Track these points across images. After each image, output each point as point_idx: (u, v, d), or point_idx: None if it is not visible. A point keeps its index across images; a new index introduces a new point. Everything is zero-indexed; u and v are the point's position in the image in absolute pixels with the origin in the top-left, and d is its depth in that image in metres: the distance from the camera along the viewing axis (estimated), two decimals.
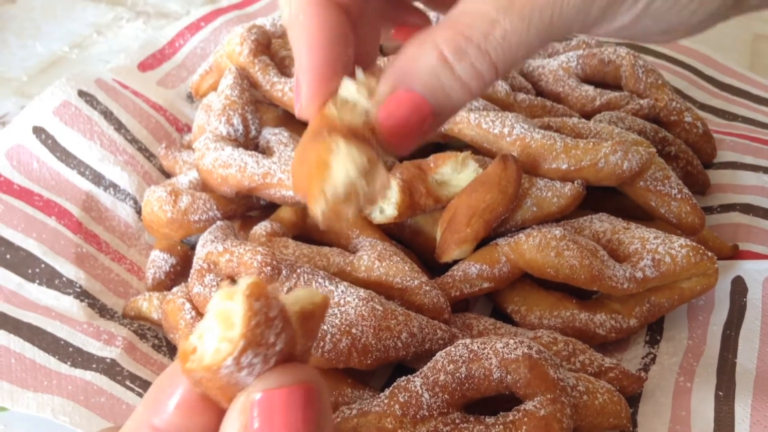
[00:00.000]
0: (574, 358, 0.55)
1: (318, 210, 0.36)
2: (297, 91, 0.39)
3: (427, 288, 0.58)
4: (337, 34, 0.39)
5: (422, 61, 0.36)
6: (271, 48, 0.75)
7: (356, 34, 0.40)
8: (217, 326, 0.28)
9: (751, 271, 0.64)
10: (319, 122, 0.37)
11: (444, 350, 0.51)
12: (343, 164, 0.35)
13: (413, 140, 0.38)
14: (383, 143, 0.37)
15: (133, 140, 0.76)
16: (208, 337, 0.28)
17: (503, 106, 0.72)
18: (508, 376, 0.49)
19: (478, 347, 0.50)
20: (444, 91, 0.37)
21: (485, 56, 0.36)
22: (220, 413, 0.30)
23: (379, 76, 0.38)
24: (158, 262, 0.67)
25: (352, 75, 0.38)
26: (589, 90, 0.78)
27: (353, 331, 0.52)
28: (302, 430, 0.28)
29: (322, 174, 0.35)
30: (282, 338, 0.28)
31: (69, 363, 0.55)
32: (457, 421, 0.48)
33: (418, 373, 0.50)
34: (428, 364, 0.50)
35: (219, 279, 0.57)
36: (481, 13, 0.36)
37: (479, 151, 0.67)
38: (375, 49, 0.45)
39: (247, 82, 0.71)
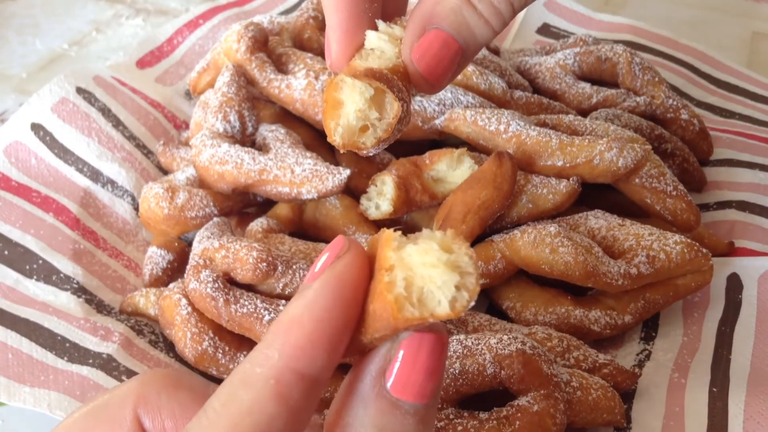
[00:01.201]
0: (569, 354, 0.55)
1: (336, 140, 0.38)
2: (327, 48, 0.42)
3: None
4: None
5: (446, 3, 0.39)
6: (268, 45, 0.75)
7: None
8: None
9: (747, 268, 0.64)
10: (347, 74, 0.40)
11: None
12: (350, 96, 0.38)
13: (446, 77, 0.41)
14: (418, 82, 0.40)
15: (130, 137, 0.76)
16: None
17: (500, 103, 0.72)
18: (502, 372, 0.49)
19: (472, 343, 0.50)
20: (469, 28, 0.40)
21: None
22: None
23: (401, 25, 0.41)
24: (155, 258, 0.67)
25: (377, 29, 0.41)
26: (586, 87, 0.78)
27: None
28: (437, 379, 0.28)
29: (334, 108, 0.38)
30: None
31: (66, 358, 0.55)
32: (451, 416, 0.48)
33: None
34: None
35: (215, 275, 0.57)
36: None
37: (475, 148, 0.67)
38: (403, 5, 0.47)
39: (244, 80, 0.71)
